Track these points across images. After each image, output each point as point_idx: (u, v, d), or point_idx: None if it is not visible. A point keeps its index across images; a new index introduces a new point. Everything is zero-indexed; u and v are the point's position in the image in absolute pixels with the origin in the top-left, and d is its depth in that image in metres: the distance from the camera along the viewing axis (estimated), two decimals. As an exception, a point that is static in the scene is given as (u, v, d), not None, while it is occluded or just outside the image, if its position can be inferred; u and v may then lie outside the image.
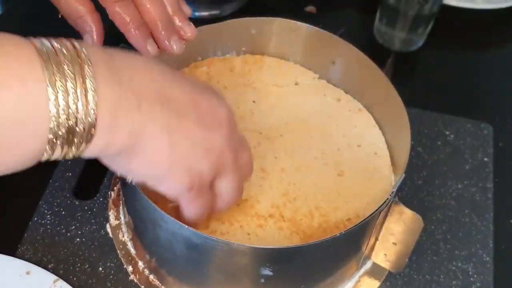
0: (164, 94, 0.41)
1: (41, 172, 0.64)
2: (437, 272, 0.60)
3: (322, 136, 0.60)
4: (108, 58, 0.38)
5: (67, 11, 0.52)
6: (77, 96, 0.36)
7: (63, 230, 0.60)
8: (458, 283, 0.59)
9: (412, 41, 0.79)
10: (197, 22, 0.80)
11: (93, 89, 0.36)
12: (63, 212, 0.61)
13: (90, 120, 0.36)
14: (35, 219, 0.60)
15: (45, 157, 0.38)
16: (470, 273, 0.60)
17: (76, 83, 0.36)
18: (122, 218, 0.60)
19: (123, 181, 0.54)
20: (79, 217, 0.61)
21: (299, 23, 0.62)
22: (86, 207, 0.61)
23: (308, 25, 0.62)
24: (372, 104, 0.61)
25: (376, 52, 0.78)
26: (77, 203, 0.62)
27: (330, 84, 0.64)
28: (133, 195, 0.51)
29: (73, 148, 0.37)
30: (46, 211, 0.61)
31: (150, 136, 0.40)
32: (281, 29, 0.63)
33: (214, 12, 0.81)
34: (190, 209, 0.46)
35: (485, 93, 0.77)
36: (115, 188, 0.62)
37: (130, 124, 0.38)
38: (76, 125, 0.36)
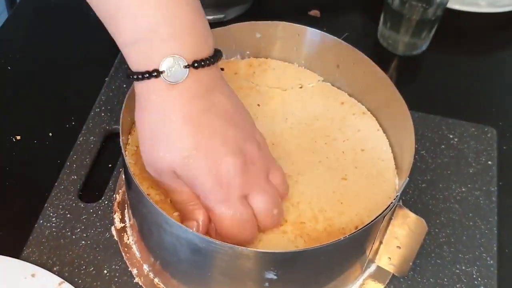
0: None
1: (47, 175, 0.64)
2: (441, 275, 0.60)
3: (326, 140, 0.60)
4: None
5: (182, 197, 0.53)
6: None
7: (69, 233, 0.60)
8: (462, 286, 0.59)
9: (416, 45, 0.79)
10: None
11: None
12: (69, 215, 0.61)
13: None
14: (41, 221, 0.61)
15: None
16: (474, 276, 0.60)
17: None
18: (127, 221, 0.61)
19: (128, 184, 0.55)
20: (84, 220, 0.61)
21: (303, 26, 0.62)
22: (91, 210, 0.62)
23: (312, 28, 0.62)
24: (376, 108, 0.62)
25: (380, 56, 0.78)
26: (82, 205, 0.62)
27: (334, 88, 0.64)
28: (138, 198, 0.51)
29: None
30: (51, 214, 0.61)
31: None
32: (285, 33, 0.63)
33: (219, 16, 0.81)
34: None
35: (489, 96, 0.77)
36: (120, 191, 0.63)
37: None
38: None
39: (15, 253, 0.58)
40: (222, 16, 0.81)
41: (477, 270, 0.60)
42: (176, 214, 0.53)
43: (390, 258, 0.55)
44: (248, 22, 0.63)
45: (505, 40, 0.86)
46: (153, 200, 0.50)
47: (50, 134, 0.68)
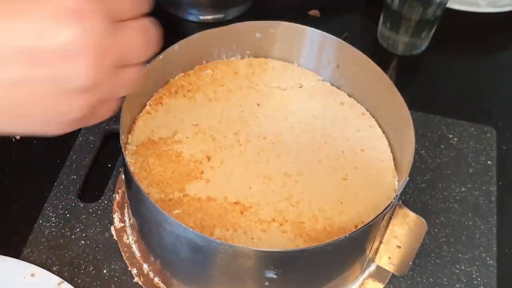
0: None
1: (46, 175, 0.64)
2: (441, 275, 0.60)
3: (326, 139, 0.60)
4: None
5: None
6: None
7: (68, 233, 0.60)
8: (462, 286, 0.59)
9: (416, 45, 0.79)
10: (202, 26, 0.81)
11: None
12: (68, 215, 0.61)
13: None
14: (40, 221, 0.61)
15: None
16: (474, 276, 0.60)
17: None
18: (127, 220, 0.61)
19: (128, 183, 0.55)
20: (84, 220, 0.61)
21: (303, 26, 0.62)
22: (91, 210, 0.62)
23: (312, 28, 0.62)
24: (375, 108, 0.62)
25: (380, 56, 0.78)
26: (82, 205, 0.62)
27: (334, 88, 0.64)
28: (138, 197, 0.51)
29: None
30: (51, 214, 0.61)
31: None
32: (285, 33, 0.63)
33: (219, 16, 0.81)
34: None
35: (488, 96, 0.77)
36: (119, 190, 0.63)
37: None
38: None
39: (15, 253, 0.58)
40: (222, 16, 0.81)
41: (477, 269, 0.60)
42: (176, 212, 0.53)
43: (390, 257, 0.55)
44: (248, 22, 0.63)
45: (504, 40, 0.86)
46: (153, 199, 0.50)
47: (50, 133, 0.68)
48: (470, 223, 0.64)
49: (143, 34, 0.42)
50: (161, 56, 0.58)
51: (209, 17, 0.81)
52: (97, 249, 0.59)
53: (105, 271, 0.58)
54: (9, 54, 0.37)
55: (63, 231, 0.60)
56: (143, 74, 0.43)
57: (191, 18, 0.82)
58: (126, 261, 0.58)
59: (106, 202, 0.62)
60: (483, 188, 0.66)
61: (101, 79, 0.39)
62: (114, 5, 0.40)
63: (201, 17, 0.81)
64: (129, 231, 0.60)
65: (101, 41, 0.38)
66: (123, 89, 0.42)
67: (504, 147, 0.71)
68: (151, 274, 0.58)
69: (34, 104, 0.39)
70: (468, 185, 0.66)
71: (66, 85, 0.38)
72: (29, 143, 0.67)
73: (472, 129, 0.71)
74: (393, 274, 0.57)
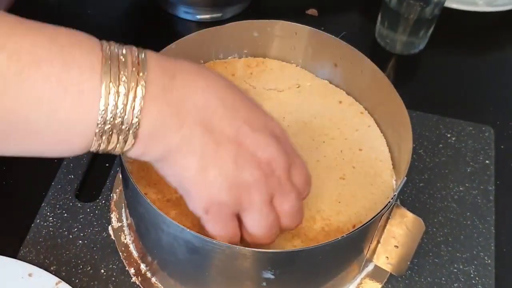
0: (211, 122, 0.43)
1: (44, 175, 0.64)
2: (439, 274, 0.60)
3: (324, 139, 0.60)
4: (169, 71, 0.42)
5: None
6: (127, 99, 0.39)
7: (66, 232, 0.60)
8: (460, 285, 0.59)
9: (414, 43, 0.79)
10: (199, 25, 0.81)
11: (141, 96, 0.40)
12: (66, 214, 0.61)
13: (133, 123, 0.40)
14: (38, 221, 0.60)
15: (92, 149, 0.42)
16: (472, 275, 0.60)
17: (128, 87, 0.40)
18: (124, 220, 0.60)
19: (125, 183, 0.55)
20: (81, 219, 0.61)
21: (301, 25, 0.62)
22: (88, 209, 0.62)
23: (310, 27, 0.62)
24: (373, 107, 0.62)
25: (378, 55, 0.78)
26: (79, 205, 0.62)
27: (332, 86, 0.64)
28: (135, 197, 0.51)
29: (117, 146, 0.42)
30: (48, 213, 0.61)
31: (183, 155, 0.42)
32: (283, 32, 0.63)
33: (216, 15, 0.81)
34: (209, 227, 0.47)
35: (486, 95, 0.77)
36: (117, 190, 0.63)
37: (167, 143, 0.42)
38: (122, 123, 0.40)
39: (12, 253, 0.58)
40: (219, 15, 0.81)
41: (475, 269, 0.60)
42: (173, 213, 0.52)
43: (387, 257, 0.55)
44: (245, 21, 0.63)
45: (502, 39, 0.86)
46: (150, 200, 0.50)
47: (47, 133, 0.68)
48: (468, 222, 0.64)
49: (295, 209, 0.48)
50: (158, 56, 0.57)
51: (207, 16, 0.81)
52: (94, 248, 0.59)
53: (102, 270, 0.58)
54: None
55: (60, 230, 0.60)
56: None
57: (189, 17, 0.82)
58: (124, 261, 0.58)
59: (103, 201, 0.62)
60: (481, 187, 0.66)
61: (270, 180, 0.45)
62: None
63: (199, 16, 0.81)
64: (126, 231, 0.60)
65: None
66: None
67: (502, 147, 0.71)
68: (149, 274, 0.57)
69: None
70: (466, 185, 0.66)
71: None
72: (26, 142, 0.67)
73: (470, 128, 0.71)
74: (391, 273, 0.57)
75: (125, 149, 0.42)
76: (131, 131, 0.40)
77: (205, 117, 0.42)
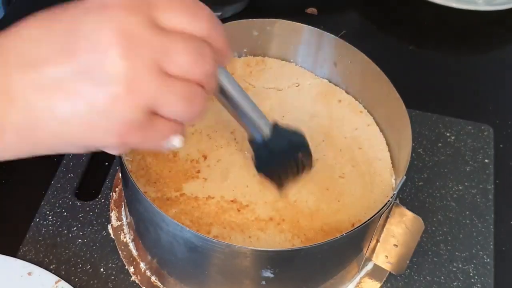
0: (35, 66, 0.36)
1: (43, 173, 0.64)
2: (438, 273, 0.60)
3: (323, 137, 0.60)
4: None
5: None
6: None
7: (65, 231, 0.60)
8: (459, 284, 0.59)
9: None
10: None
11: None
12: (65, 213, 0.61)
13: None
14: (37, 220, 0.60)
15: None
16: (471, 274, 0.60)
17: None
18: (124, 219, 0.60)
19: (125, 182, 0.55)
20: (81, 218, 0.61)
21: (300, 24, 0.62)
22: (88, 208, 0.62)
23: (309, 26, 0.62)
24: (373, 106, 0.62)
25: (377, 54, 0.78)
26: (79, 204, 0.62)
27: (331, 85, 0.64)
28: (135, 196, 0.51)
29: None
30: (48, 212, 0.61)
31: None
32: (282, 31, 0.63)
33: (216, 14, 0.80)
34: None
35: (486, 94, 0.77)
36: (116, 189, 0.63)
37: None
38: None
39: (12, 252, 0.58)
40: (219, 14, 0.81)
41: (474, 268, 0.60)
42: (173, 211, 0.53)
43: (387, 256, 0.55)
44: (244, 20, 0.63)
45: (501, 38, 0.86)
46: (150, 198, 0.50)
47: (47, 132, 0.68)
48: (468, 221, 0.64)
49: (193, 52, 0.38)
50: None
51: None
52: (94, 247, 0.59)
53: (102, 269, 0.58)
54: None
55: (60, 229, 0.60)
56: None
57: None
58: (123, 260, 0.58)
59: (103, 200, 0.62)
60: (481, 186, 0.66)
61: (136, 75, 0.36)
62: (162, 13, 0.38)
63: None
64: (126, 229, 0.60)
65: (133, 31, 0.36)
66: (181, 105, 0.38)
67: (501, 145, 0.71)
68: (148, 273, 0.57)
69: (75, 102, 0.37)
70: (466, 184, 0.66)
71: (98, 75, 0.36)
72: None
73: (470, 127, 0.71)
74: (390, 272, 0.57)
75: None
76: None
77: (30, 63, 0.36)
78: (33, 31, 0.38)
